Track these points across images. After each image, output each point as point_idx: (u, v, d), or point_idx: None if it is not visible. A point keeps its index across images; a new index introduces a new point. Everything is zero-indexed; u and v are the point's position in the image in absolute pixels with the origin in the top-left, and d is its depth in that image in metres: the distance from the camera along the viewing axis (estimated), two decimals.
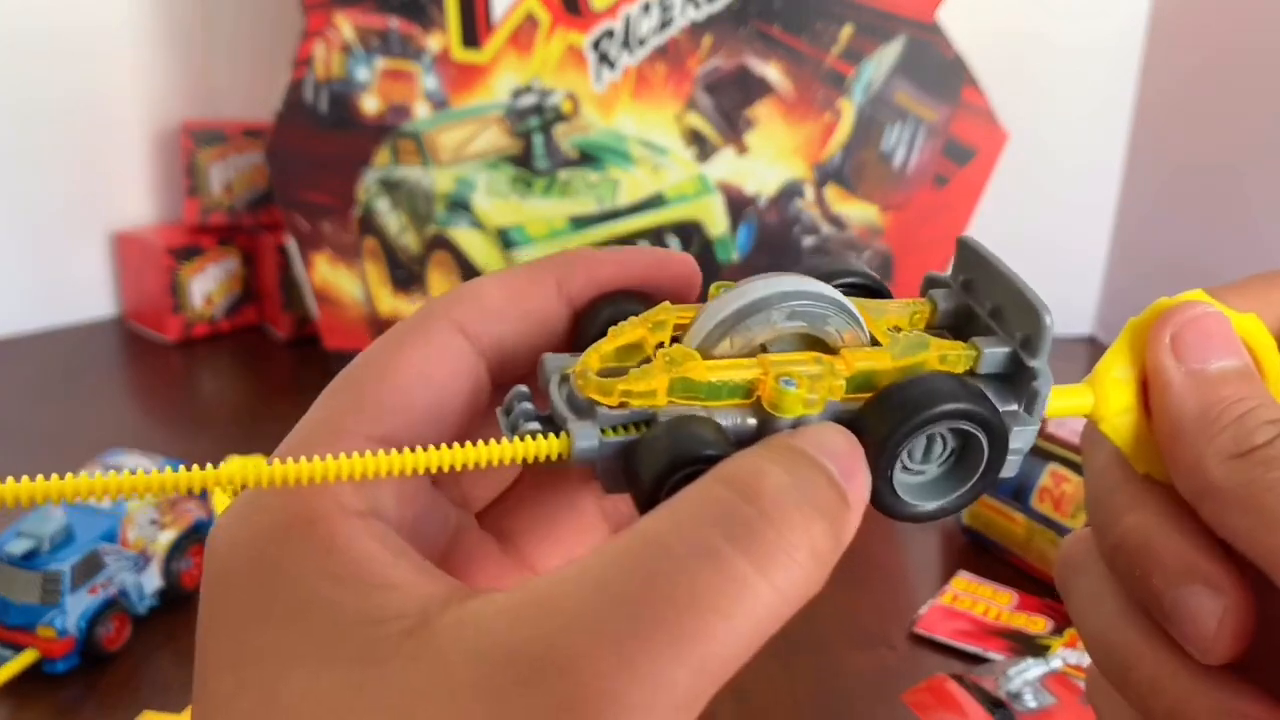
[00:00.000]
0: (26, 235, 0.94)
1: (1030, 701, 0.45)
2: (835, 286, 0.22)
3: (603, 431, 0.20)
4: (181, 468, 0.18)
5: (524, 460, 0.19)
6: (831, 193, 0.81)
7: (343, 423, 0.20)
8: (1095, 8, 0.97)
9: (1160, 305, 0.23)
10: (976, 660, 0.51)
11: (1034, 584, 0.57)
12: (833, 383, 0.20)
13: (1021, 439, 0.21)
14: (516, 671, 0.17)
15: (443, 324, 0.22)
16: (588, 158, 0.79)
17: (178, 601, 0.53)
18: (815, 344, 0.21)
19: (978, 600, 0.56)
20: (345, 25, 0.77)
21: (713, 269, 0.81)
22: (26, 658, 0.47)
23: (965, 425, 0.21)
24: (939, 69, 0.80)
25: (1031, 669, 0.47)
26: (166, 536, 0.52)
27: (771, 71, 0.78)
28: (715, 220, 0.81)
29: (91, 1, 0.94)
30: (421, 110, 0.78)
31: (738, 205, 0.81)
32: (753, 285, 0.21)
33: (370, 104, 0.78)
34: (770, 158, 0.80)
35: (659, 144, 0.79)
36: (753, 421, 0.20)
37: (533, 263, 0.23)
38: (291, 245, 0.82)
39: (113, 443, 0.58)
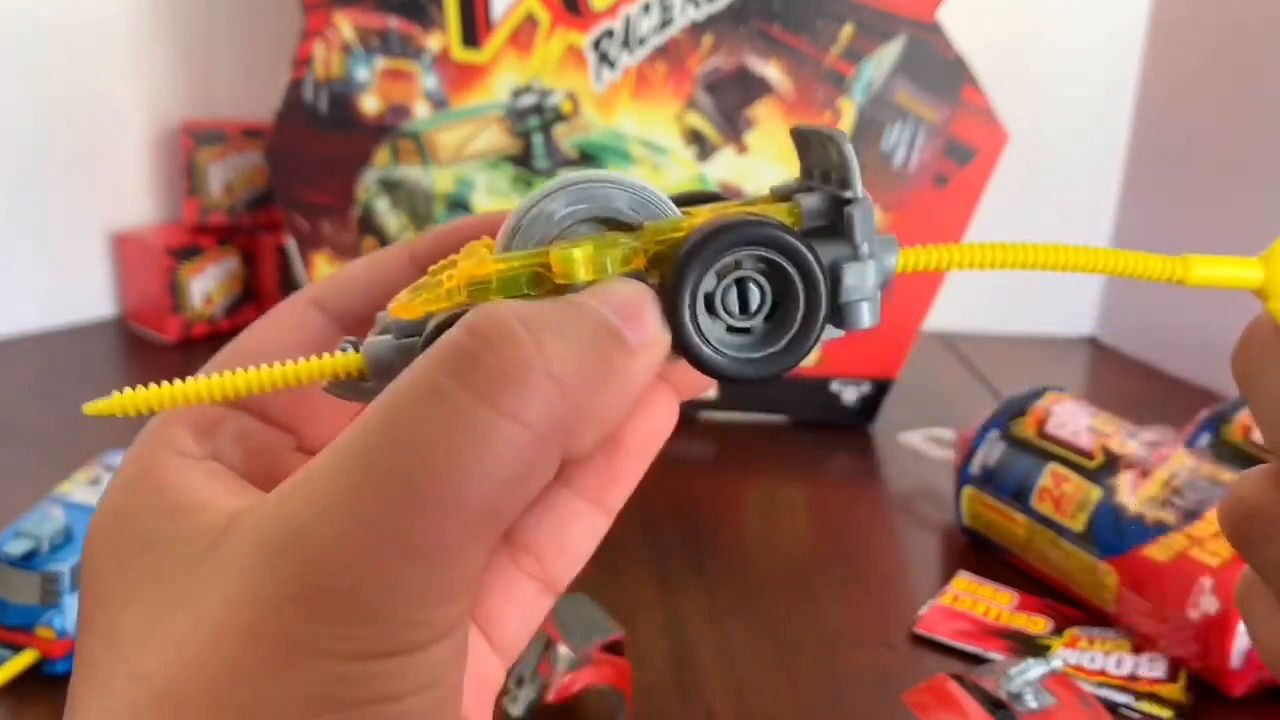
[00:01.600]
0: (26, 235, 0.94)
1: (1031, 702, 0.45)
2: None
3: (396, 340, 0.20)
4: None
5: (326, 376, 0.20)
6: None
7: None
8: (1095, 7, 0.97)
9: None
10: (977, 661, 0.51)
11: (1034, 584, 0.57)
12: (627, 251, 0.20)
13: (855, 275, 0.20)
14: (266, 546, 0.17)
15: (297, 301, 0.24)
16: (588, 157, 0.79)
17: None
18: (619, 229, 0.21)
19: (978, 600, 0.55)
20: (345, 25, 0.77)
21: None
22: (26, 658, 0.47)
23: (763, 253, 0.19)
24: (939, 69, 0.79)
25: (1032, 669, 0.47)
26: None
27: (772, 71, 0.78)
28: None
29: (91, 1, 0.94)
30: (421, 110, 0.78)
31: None
32: (543, 185, 0.21)
33: (370, 104, 0.78)
34: (770, 157, 0.80)
35: (659, 144, 0.79)
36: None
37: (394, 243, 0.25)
38: (291, 245, 0.82)
39: (112, 443, 0.58)
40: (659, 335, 0.19)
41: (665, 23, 0.77)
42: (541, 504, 0.24)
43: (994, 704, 0.45)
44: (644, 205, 0.20)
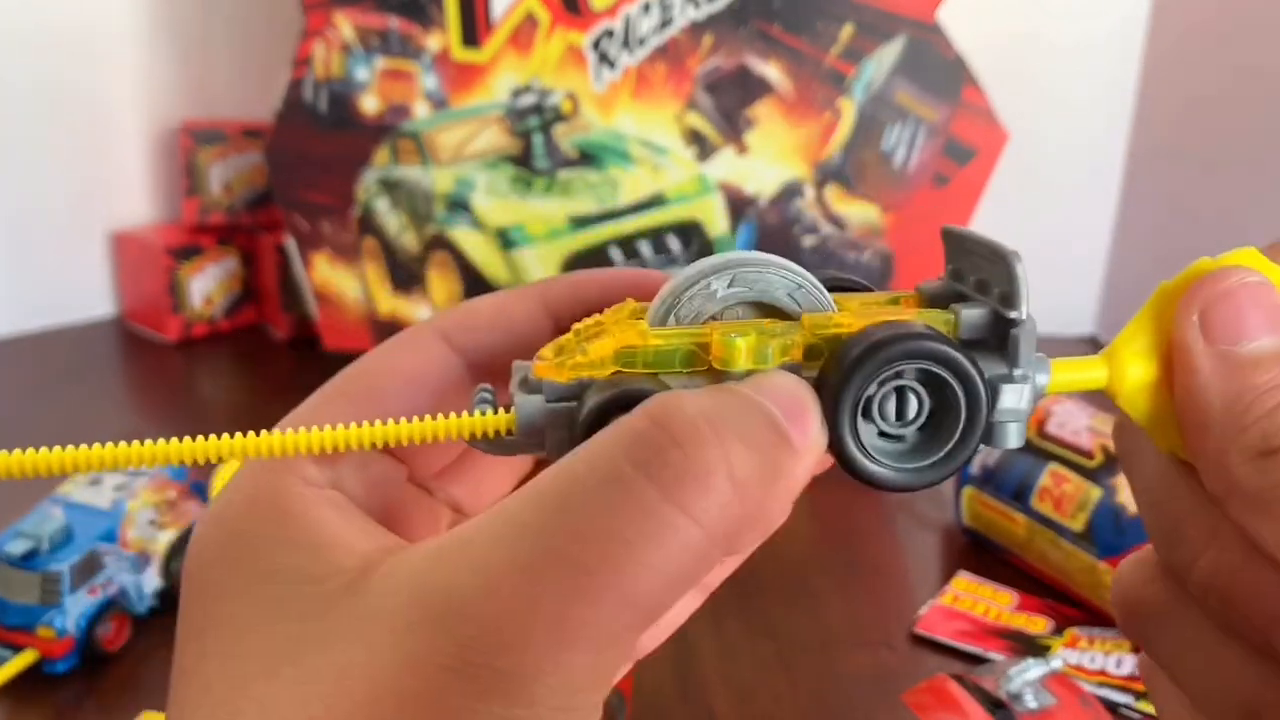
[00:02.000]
0: (26, 235, 0.94)
1: (1030, 702, 0.45)
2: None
3: (548, 403, 0.20)
4: (174, 440, 0.19)
5: (471, 435, 0.20)
6: (832, 192, 0.81)
7: (309, 413, 0.22)
8: (1096, 7, 0.97)
9: (1199, 268, 0.20)
10: (977, 660, 0.51)
11: (1034, 584, 0.57)
12: (787, 341, 0.19)
13: (1013, 397, 0.20)
14: (425, 610, 0.17)
15: (425, 330, 0.23)
16: (587, 157, 0.79)
17: (177, 602, 0.53)
18: (774, 314, 0.21)
19: (978, 600, 0.55)
20: (345, 25, 0.77)
21: None
22: (26, 658, 0.47)
23: (929, 367, 0.19)
24: (939, 68, 0.79)
25: (1032, 669, 0.47)
26: (166, 537, 0.52)
27: (771, 71, 0.78)
28: (715, 220, 0.81)
29: (91, 1, 0.94)
30: (421, 110, 0.78)
31: (738, 205, 0.80)
32: (700, 261, 0.21)
33: (370, 103, 0.78)
34: (770, 157, 0.80)
35: (659, 144, 0.79)
36: (703, 383, 0.20)
37: (525, 284, 0.24)
38: (291, 245, 0.82)
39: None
40: (819, 438, 0.19)
41: (665, 23, 0.77)
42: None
43: (994, 704, 0.45)
44: (802, 293, 0.20)
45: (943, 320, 0.20)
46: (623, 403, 0.19)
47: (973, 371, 0.19)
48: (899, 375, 0.20)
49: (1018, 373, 0.20)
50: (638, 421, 0.18)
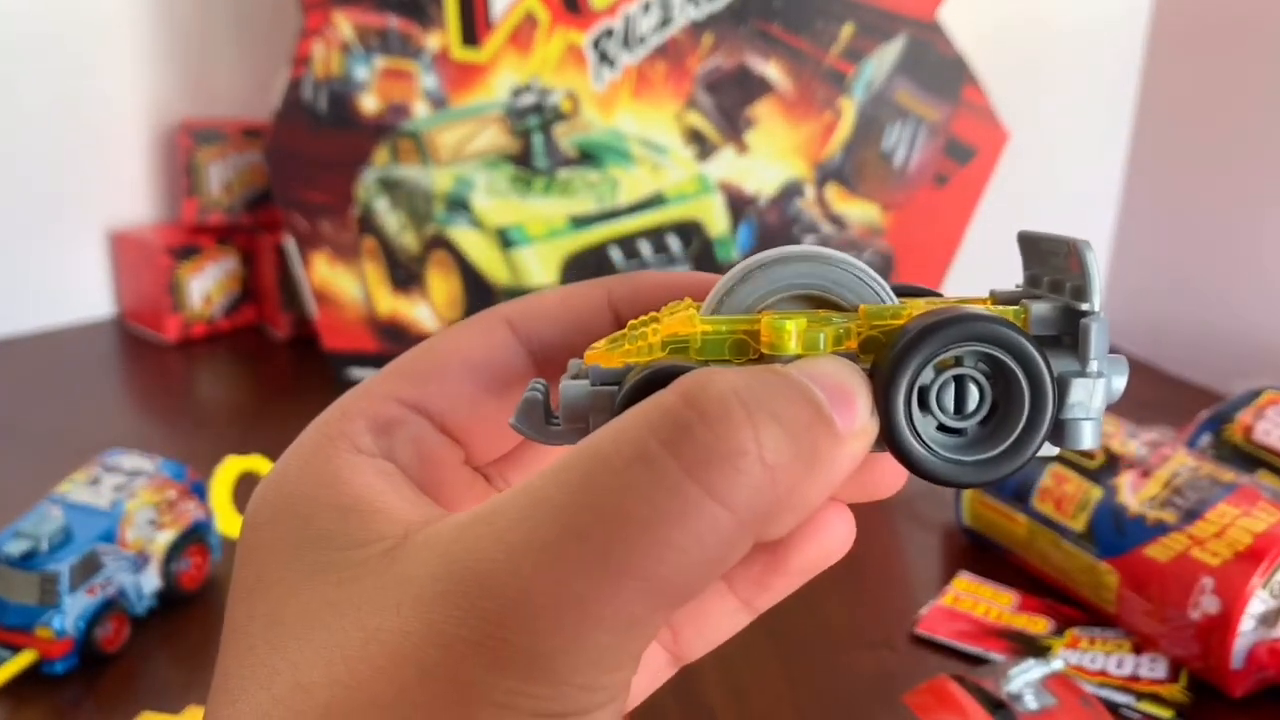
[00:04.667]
0: (25, 234, 0.93)
1: (1031, 702, 0.45)
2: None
3: (592, 386, 0.20)
4: None
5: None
6: (832, 192, 0.81)
7: (372, 386, 0.22)
8: (1096, 5, 0.97)
9: None
10: (977, 661, 0.51)
11: (1035, 584, 0.57)
12: (840, 330, 0.19)
13: (1083, 392, 0.19)
14: (452, 582, 0.17)
15: (491, 316, 0.23)
16: (587, 157, 0.79)
17: (176, 602, 0.53)
18: (830, 309, 0.20)
19: (979, 601, 0.55)
20: (344, 24, 0.77)
21: (712, 269, 0.81)
22: (25, 658, 0.47)
23: (992, 351, 0.18)
24: (940, 68, 0.79)
25: (1032, 670, 0.47)
26: (165, 537, 0.52)
27: (772, 70, 0.78)
28: (715, 220, 0.80)
29: (91, 1, 0.94)
30: (421, 109, 0.78)
31: (738, 205, 0.80)
32: (759, 254, 0.20)
33: (369, 103, 0.78)
34: (770, 157, 0.80)
35: (659, 143, 0.79)
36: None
37: (592, 279, 0.24)
38: (290, 245, 0.82)
39: (111, 443, 0.58)
40: (868, 424, 0.18)
41: (665, 22, 0.77)
42: None
43: (994, 704, 0.45)
44: (862, 288, 0.20)
45: (1012, 314, 0.19)
46: (660, 379, 0.18)
47: (1037, 356, 0.18)
48: (959, 362, 0.19)
49: (1090, 367, 0.19)
50: (668, 398, 0.17)
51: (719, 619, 0.24)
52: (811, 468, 0.17)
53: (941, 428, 0.19)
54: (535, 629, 0.16)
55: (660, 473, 0.16)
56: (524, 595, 0.16)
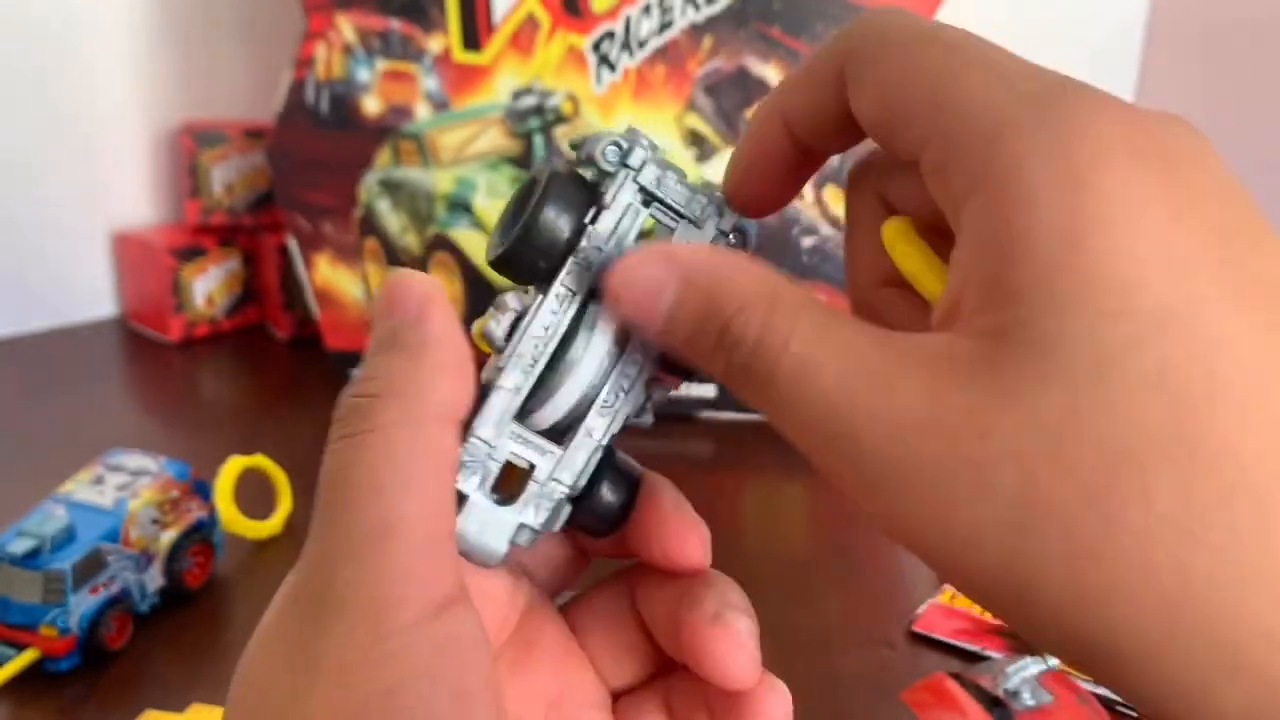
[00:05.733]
0: (27, 235, 0.94)
1: (1028, 699, 0.45)
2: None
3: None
4: None
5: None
6: (831, 193, 0.81)
7: None
8: (1096, 5, 0.97)
9: None
10: (975, 659, 0.51)
11: None
12: None
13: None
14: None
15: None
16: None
17: (180, 601, 0.53)
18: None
19: None
20: (346, 26, 0.77)
21: None
22: (28, 656, 0.47)
23: None
24: None
25: (1030, 667, 0.47)
26: (168, 536, 0.53)
27: (771, 73, 0.79)
28: None
29: (93, 1, 0.94)
30: (422, 111, 0.78)
31: None
32: None
33: (371, 105, 0.78)
34: None
35: (659, 145, 0.79)
36: None
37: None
38: (292, 246, 0.82)
39: (114, 443, 0.58)
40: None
41: (665, 25, 0.78)
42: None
43: (992, 701, 0.45)
44: None
45: None
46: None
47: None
48: None
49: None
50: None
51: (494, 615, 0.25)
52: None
53: None
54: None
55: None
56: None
